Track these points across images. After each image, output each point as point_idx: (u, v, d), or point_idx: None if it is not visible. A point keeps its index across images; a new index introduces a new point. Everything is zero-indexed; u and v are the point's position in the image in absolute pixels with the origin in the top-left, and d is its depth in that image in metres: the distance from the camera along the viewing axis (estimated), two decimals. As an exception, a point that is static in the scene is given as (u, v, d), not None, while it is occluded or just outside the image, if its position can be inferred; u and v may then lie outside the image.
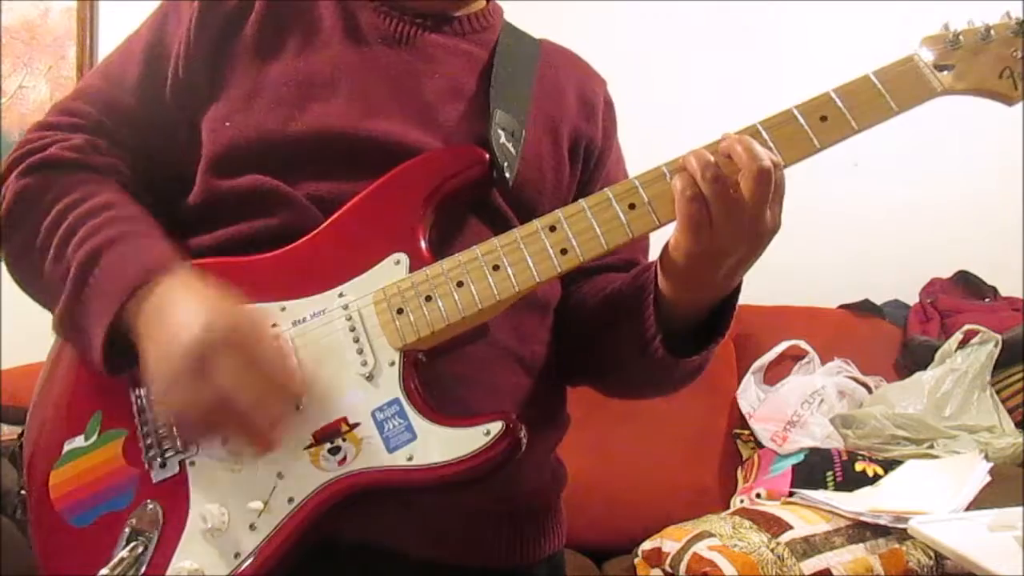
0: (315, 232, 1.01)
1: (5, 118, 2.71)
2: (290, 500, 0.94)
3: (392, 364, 0.96)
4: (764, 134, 0.96)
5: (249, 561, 0.93)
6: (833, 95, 0.98)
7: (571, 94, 1.19)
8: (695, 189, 0.91)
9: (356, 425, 0.95)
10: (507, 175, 1.05)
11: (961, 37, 1.00)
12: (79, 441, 1.02)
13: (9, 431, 2.11)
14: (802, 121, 0.97)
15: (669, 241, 0.97)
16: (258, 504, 0.94)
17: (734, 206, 0.91)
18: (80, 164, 1.05)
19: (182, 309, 0.92)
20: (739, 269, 0.97)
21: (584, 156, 1.17)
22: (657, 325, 1.01)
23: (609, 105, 1.24)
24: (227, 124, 1.05)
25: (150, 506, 0.97)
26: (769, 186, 0.90)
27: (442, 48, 1.12)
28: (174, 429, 0.98)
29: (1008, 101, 1.00)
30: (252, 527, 0.94)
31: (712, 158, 0.92)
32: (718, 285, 0.98)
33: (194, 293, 0.94)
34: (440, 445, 0.93)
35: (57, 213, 1.01)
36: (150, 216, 1.04)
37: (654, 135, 1.91)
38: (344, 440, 0.94)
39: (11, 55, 2.76)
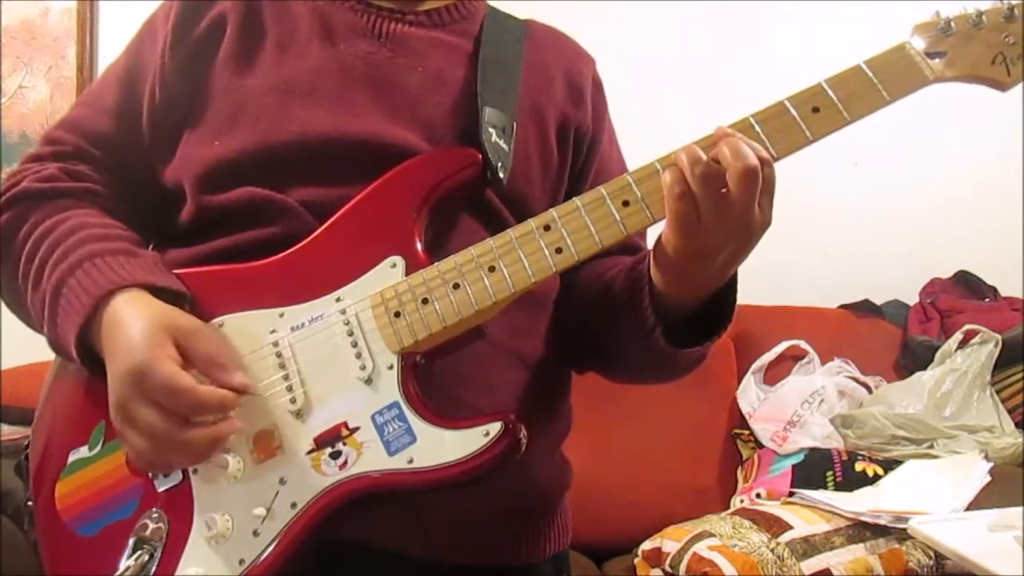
0: (311, 237, 1.01)
1: (5, 118, 2.69)
2: (293, 505, 0.94)
3: (391, 367, 0.96)
4: (756, 127, 0.95)
5: (254, 567, 0.93)
6: (825, 85, 0.97)
7: (559, 78, 1.17)
8: (683, 186, 0.90)
9: (356, 429, 0.95)
10: (501, 175, 1.04)
11: (952, 24, 0.99)
12: (84, 451, 1.02)
13: (9, 431, 2.11)
14: (794, 113, 0.96)
15: (660, 236, 0.97)
16: (261, 510, 0.94)
17: (722, 203, 0.90)
18: (52, 192, 1.07)
19: (117, 345, 0.94)
20: (730, 265, 0.97)
21: (575, 142, 1.16)
22: (655, 318, 1.00)
23: (598, 85, 1.23)
24: (216, 144, 1.05)
25: (155, 515, 0.97)
26: (756, 183, 0.90)
27: (422, 41, 1.12)
28: None
29: (1001, 87, 1.00)
30: (256, 533, 0.94)
31: (702, 155, 0.91)
32: (710, 280, 0.98)
33: (140, 314, 0.95)
34: (440, 447, 0.93)
35: (31, 245, 1.03)
36: (121, 230, 1.05)
37: (647, 129, 1.91)
38: (345, 444, 0.94)
39: (11, 55, 2.76)
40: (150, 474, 0.99)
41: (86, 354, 0.98)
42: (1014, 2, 1.00)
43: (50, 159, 1.10)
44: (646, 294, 1.01)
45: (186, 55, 1.08)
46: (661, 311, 1.01)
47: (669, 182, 0.91)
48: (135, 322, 0.94)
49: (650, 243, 1.18)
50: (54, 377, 1.10)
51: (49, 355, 1.11)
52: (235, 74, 1.08)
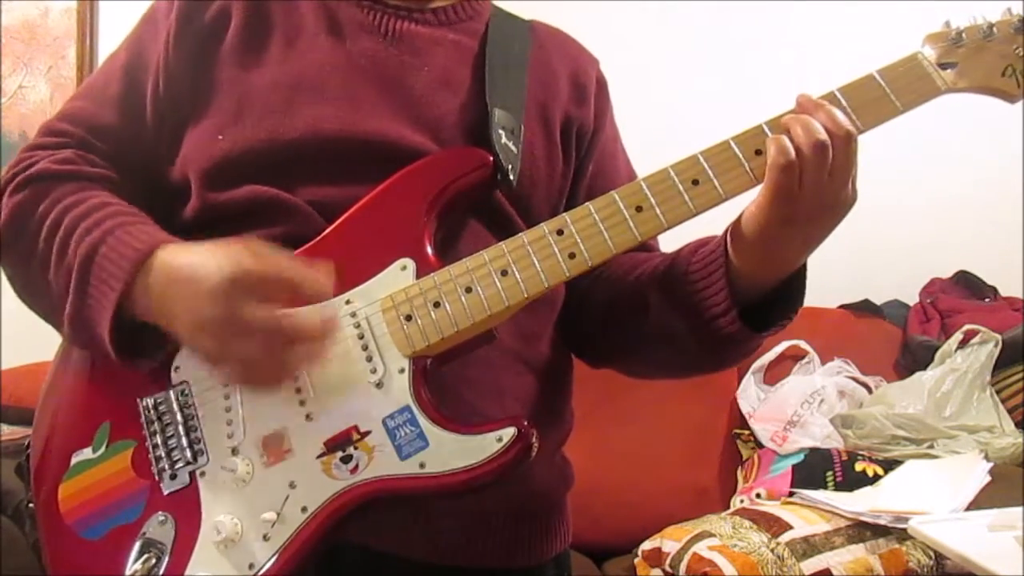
0: (319, 238, 1.01)
1: (5, 118, 2.68)
2: (303, 509, 0.94)
3: (402, 371, 0.95)
4: (769, 134, 0.96)
5: (264, 572, 0.93)
6: (838, 94, 0.97)
7: (563, 78, 1.17)
8: (789, 157, 0.91)
9: (367, 433, 0.94)
10: (511, 177, 1.04)
11: (964, 35, 1.00)
12: (87, 453, 1.01)
13: (9, 431, 2.11)
14: None
15: (747, 211, 0.97)
16: (271, 514, 0.93)
17: (825, 173, 0.92)
18: (71, 175, 1.05)
19: (192, 265, 0.91)
20: (815, 238, 0.96)
21: (576, 140, 1.16)
22: (731, 299, 0.99)
23: (602, 84, 1.23)
24: (220, 137, 1.04)
25: (161, 518, 0.97)
26: (855, 152, 0.93)
27: (429, 40, 1.11)
28: (183, 440, 0.98)
29: (1010, 99, 1.01)
30: (266, 537, 0.94)
31: (818, 124, 0.92)
32: (793, 254, 0.98)
33: (195, 250, 0.93)
34: (452, 452, 0.93)
35: (53, 220, 1.01)
36: (144, 213, 1.03)
37: (649, 131, 1.91)
38: (356, 448, 0.94)
39: (11, 55, 2.75)
40: (156, 477, 0.98)
41: (122, 327, 0.95)
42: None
43: (55, 149, 1.07)
44: (721, 275, 0.99)
45: (189, 48, 1.07)
46: (736, 293, 0.99)
47: (774, 153, 0.92)
48: (196, 254, 0.92)
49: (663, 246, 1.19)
50: (54, 376, 1.08)
51: (49, 355, 1.10)
52: (240, 68, 1.07)
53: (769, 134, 0.96)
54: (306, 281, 0.90)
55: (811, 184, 0.92)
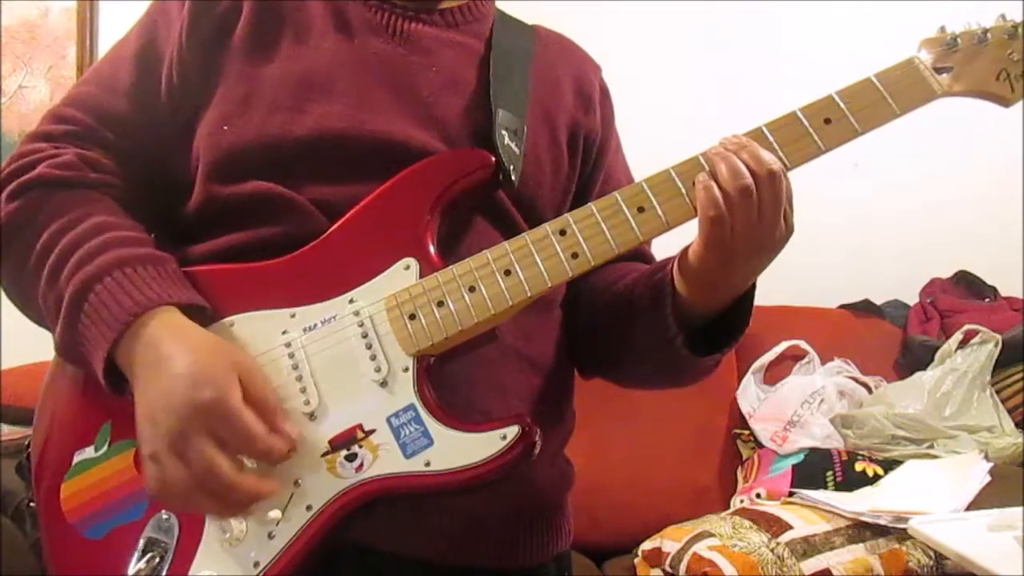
0: (323, 237, 1.01)
1: (5, 118, 2.69)
2: (308, 508, 0.94)
3: (406, 370, 0.96)
4: (769, 136, 0.97)
5: (269, 570, 0.93)
6: (836, 97, 0.99)
7: (567, 85, 1.18)
8: (719, 209, 0.93)
9: (372, 431, 0.95)
10: (513, 177, 1.05)
11: (959, 40, 1.02)
12: (89, 452, 1.01)
13: (9, 431, 2.10)
14: (806, 123, 0.98)
15: (688, 248, 0.99)
16: (276, 513, 0.94)
17: (755, 213, 0.93)
18: (71, 182, 1.04)
19: (172, 372, 0.91)
20: (755, 271, 0.99)
21: (584, 148, 1.17)
22: (677, 326, 1.02)
23: (605, 92, 1.24)
24: (225, 128, 1.04)
25: (165, 516, 0.97)
26: (783, 188, 0.93)
27: (436, 40, 1.12)
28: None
29: (1005, 103, 1.03)
30: (271, 536, 0.94)
31: (743, 166, 0.93)
32: (736, 285, 1.00)
33: (188, 343, 0.93)
34: (457, 450, 0.93)
35: (48, 237, 1.00)
36: (143, 234, 1.03)
37: (651, 134, 1.91)
38: (360, 447, 0.94)
39: (11, 55, 2.74)
40: None
41: (108, 367, 0.96)
42: (1018, 20, 1.03)
43: (62, 139, 1.06)
44: (668, 302, 1.02)
45: (201, 41, 1.07)
46: (683, 319, 1.02)
47: (703, 206, 0.94)
48: (188, 350, 0.92)
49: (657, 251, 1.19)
50: (53, 376, 1.08)
51: (50, 355, 1.09)
52: (249, 61, 1.07)
53: (769, 136, 0.98)
54: (265, 456, 0.92)
55: (742, 229, 0.93)
